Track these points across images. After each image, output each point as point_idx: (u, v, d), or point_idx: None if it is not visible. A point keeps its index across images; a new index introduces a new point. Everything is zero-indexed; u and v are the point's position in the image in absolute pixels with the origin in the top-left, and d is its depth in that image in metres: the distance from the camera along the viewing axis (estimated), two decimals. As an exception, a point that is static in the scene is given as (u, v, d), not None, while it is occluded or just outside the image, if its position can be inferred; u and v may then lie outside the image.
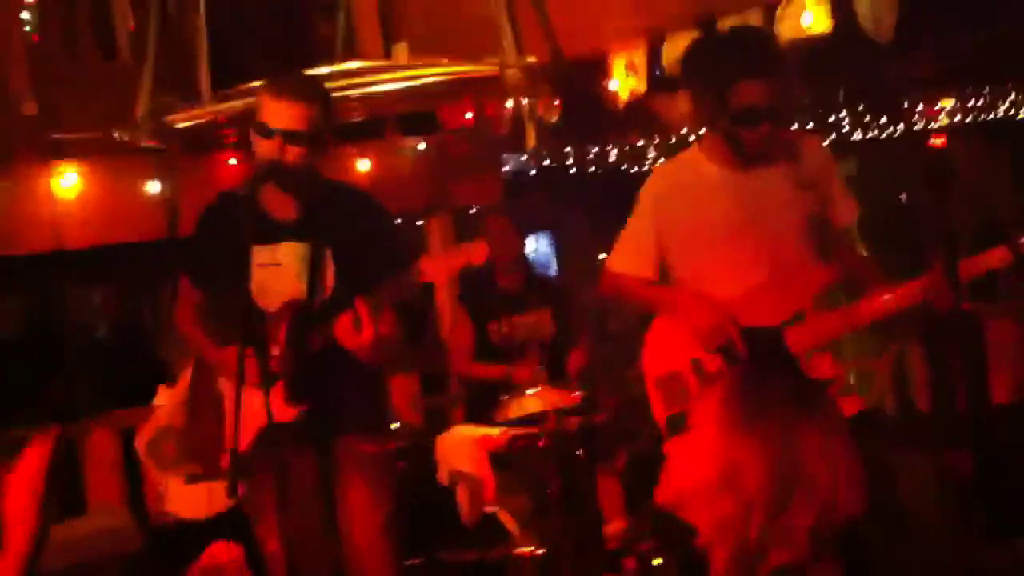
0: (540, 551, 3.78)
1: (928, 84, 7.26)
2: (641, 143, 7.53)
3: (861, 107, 7.44)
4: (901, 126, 7.88)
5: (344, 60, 5.79)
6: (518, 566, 3.79)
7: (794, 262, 2.90)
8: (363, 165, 6.52)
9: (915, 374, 4.81)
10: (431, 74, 4.87)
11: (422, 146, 6.73)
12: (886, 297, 2.82)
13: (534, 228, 7.85)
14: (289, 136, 2.84)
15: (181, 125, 5.40)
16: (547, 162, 7.55)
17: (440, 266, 2.67)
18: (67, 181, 5.87)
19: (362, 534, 2.95)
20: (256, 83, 4.76)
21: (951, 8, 5.27)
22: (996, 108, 7.88)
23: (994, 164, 5.20)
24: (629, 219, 3.06)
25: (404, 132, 6.72)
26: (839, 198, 2.98)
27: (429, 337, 6.65)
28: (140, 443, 4.40)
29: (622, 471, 3.99)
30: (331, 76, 4.57)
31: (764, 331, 2.87)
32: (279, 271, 2.94)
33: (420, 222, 6.89)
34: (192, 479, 4.33)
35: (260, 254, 2.95)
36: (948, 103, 7.75)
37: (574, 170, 7.78)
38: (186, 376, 4.40)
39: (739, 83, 2.77)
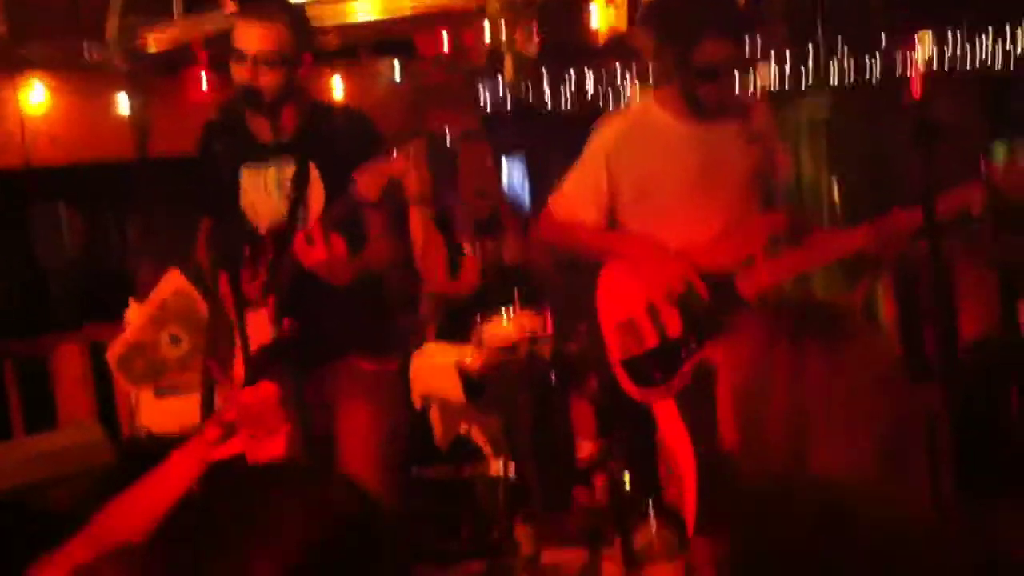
0: (512, 470, 3.84)
1: (906, 19, 7.28)
2: (619, 73, 7.51)
3: (840, 46, 7.44)
4: (878, 67, 7.89)
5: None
6: (490, 485, 3.85)
7: (744, 211, 3.00)
8: (337, 88, 6.46)
9: (885, 310, 4.89)
10: (409, 5, 4.84)
11: (397, 70, 6.67)
12: (831, 243, 2.95)
13: (508, 154, 7.86)
14: (261, 59, 2.84)
15: (152, 48, 5.34)
16: (524, 94, 7.52)
17: (369, 179, 2.67)
18: (35, 97, 5.79)
19: (356, 452, 2.98)
20: (228, 4, 4.73)
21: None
22: (973, 52, 7.92)
23: (970, 109, 5.24)
24: (576, 165, 3.08)
25: (378, 56, 6.66)
26: (780, 154, 3.11)
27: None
28: (111, 357, 4.41)
29: (593, 394, 4.05)
30: (307, 2, 4.51)
31: (716, 277, 2.95)
32: (269, 192, 2.97)
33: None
34: (162, 393, 4.36)
35: (250, 176, 2.98)
36: (926, 37, 7.75)
37: (550, 104, 7.76)
38: (158, 291, 4.41)
39: (703, 40, 2.82)
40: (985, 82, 7.57)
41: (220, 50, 4.59)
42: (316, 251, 2.74)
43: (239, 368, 2.88)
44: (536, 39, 5.86)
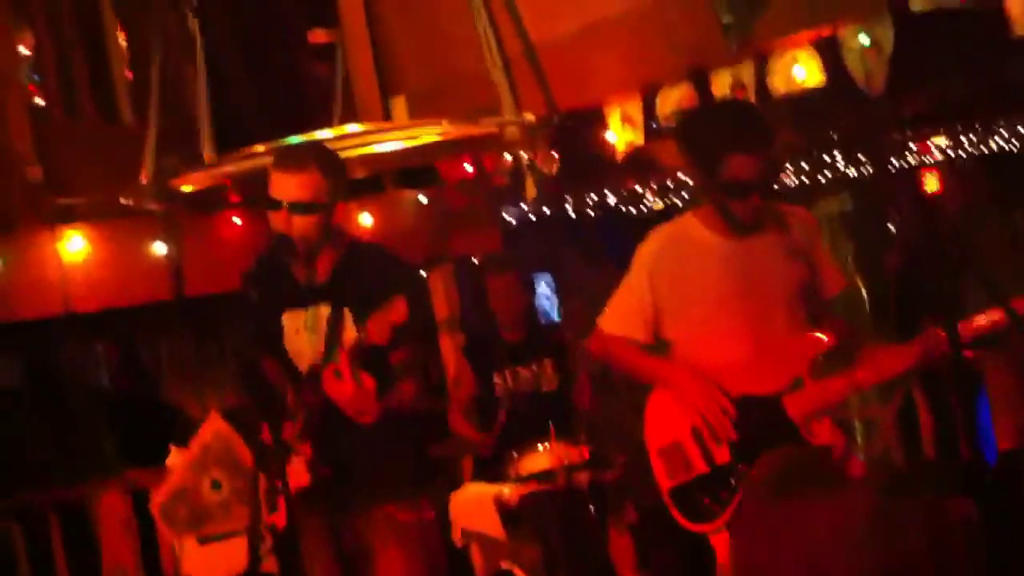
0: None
1: (919, 122, 7.37)
2: (639, 189, 7.63)
3: (854, 147, 7.54)
4: (894, 161, 7.98)
5: (343, 116, 5.90)
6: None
7: (788, 329, 2.96)
8: (365, 219, 6.59)
9: (921, 421, 4.86)
10: (431, 134, 4.96)
11: (422, 198, 6.81)
12: (882, 363, 2.89)
13: (534, 271, 7.93)
14: (294, 207, 2.91)
15: (186, 189, 5.49)
16: (546, 212, 7.64)
17: (374, 327, 2.72)
18: (73, 245, 5.93)
19: None
20: (260, 147, 4.88)
21: (941, 55, 5.39)
22: (987, 145, 8.00)
23: (986, 202, 5.29)
24: (623, 280, 3.10)
25: (404, 185, 6.80)
26: (826, 267, 3.08)
27: (432, 389, 6.71)
28: (155, 507, 4.44)
29: (633, 525, 4.03)
30: (332, 140, 4.65)
31: (763, 399, 2.92)
32: (309, 335, 3.02)
33: (423, 273, 6.95)
34: (207, 541, 4.38)
35: (291, 319, 3.04)
36: (940, 140, 7.85)
37: (573, 216, 7.87)
38: (199, 436, 4.47)
39: (728, 157, 2.86)
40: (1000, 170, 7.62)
41: (252, 190, 4.73)
42: (344, 386, 2.78)
43: (281, 515, 2.91)
44: (555, 158, 6.00)
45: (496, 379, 4.56)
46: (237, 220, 5.70)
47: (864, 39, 4.72)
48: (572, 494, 3.91)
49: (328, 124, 5.45)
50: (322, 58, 6.15)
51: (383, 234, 6.38)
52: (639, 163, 6.21)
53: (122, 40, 6.30)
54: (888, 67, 4.59)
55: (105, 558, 5.16)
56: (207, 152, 5.46)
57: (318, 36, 6.14)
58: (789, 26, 4.85)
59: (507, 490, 3.95)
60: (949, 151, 7.90)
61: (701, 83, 5.16)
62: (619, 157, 5.84)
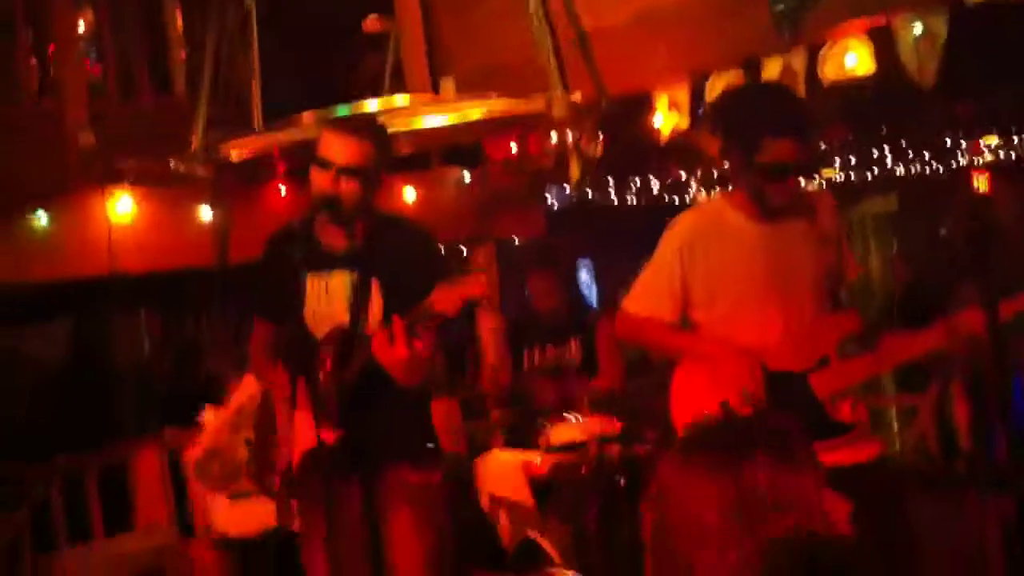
0: (580, 576, 3.82)
1: (970, 122, 7.28)
2: (683, 177, 7.60)
3: (903, 143, 7.47)
4: (943, 162, 7.89)
5: (392, 94, 5.94)
6: (558, 591, 3.83)
7: (815, 312, 2.99)
8: (409, 194, 6.64)
9: (957, 413, 4.81)
10: (478, 110, 4.98)
11: (467, 177, 6.84)
12: (905, 344, 2.94)
13: (575, 257, 7.93)
14: (345, 171, 2.95)
15: (234, 157, 5.56)
16: (590, 195, 7.64)
17: (446, 298, 2.74)
18: (122, 207, 6.04)
19: (406, 565, 3.00)
20: (307, 114, 4.94)
21: (994, 58, 5.32)
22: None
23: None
24: (650, 262, 3.11)
25: (449, 163, 6.84)
26: (847, 253, 3.13)
27: (470, 366, 6.75)
28: (188, 462, 4.51)
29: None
30: (380, 111, 4.69)
31: (790, 376, 2.94)
32: (330, 299, 3.05)
33: (464, 251, 7.00)
34: (237, 497, 4.44)
35: (314, 283, 3.07)
36: (992, 140, 7.76)
37: (616, 203, 7.86)
38: (235, 397, 4.53)
39: (767, 140, 2.86)
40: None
41: (299, 160, 4.78)
42: (398, 350, 2.81)
43: (295, 458, 2.94)
44: (600, 141, 6.00)
45: (526, 354, 4.62)
46: (283, 190, 5.76)
47: (918, 29, 4.67)
48: (602, 466, 3.92)
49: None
50: (374, 48, 6.21)
51: (427, 211, 6.44)
52: (683, 148, 6.20)
53: (179, 21, 6.40)
54: (941, 59, 4.54)
55: (139, 514, 5.25)
56: (256, 122, 5.53)
57: (372, 24, 6.20)
58: (842, 15, 4.81)
59: (537, 459, 3.97)
60: (1000, 152, 7.80)
61: (752, 71, 5.14)
62: (663, 142, 5.83)
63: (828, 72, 4.86)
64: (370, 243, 3.06)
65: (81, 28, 6.31)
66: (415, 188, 6.63)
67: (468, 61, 6.20)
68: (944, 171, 7.88)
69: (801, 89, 4.80)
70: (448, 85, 6.36)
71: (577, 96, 4.93)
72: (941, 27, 4.67)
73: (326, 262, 3.07)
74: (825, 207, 3.08)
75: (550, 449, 4.04)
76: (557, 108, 4.96)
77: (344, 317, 3.02)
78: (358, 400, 2.95)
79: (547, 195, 7.74)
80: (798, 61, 4.99)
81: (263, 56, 5.47)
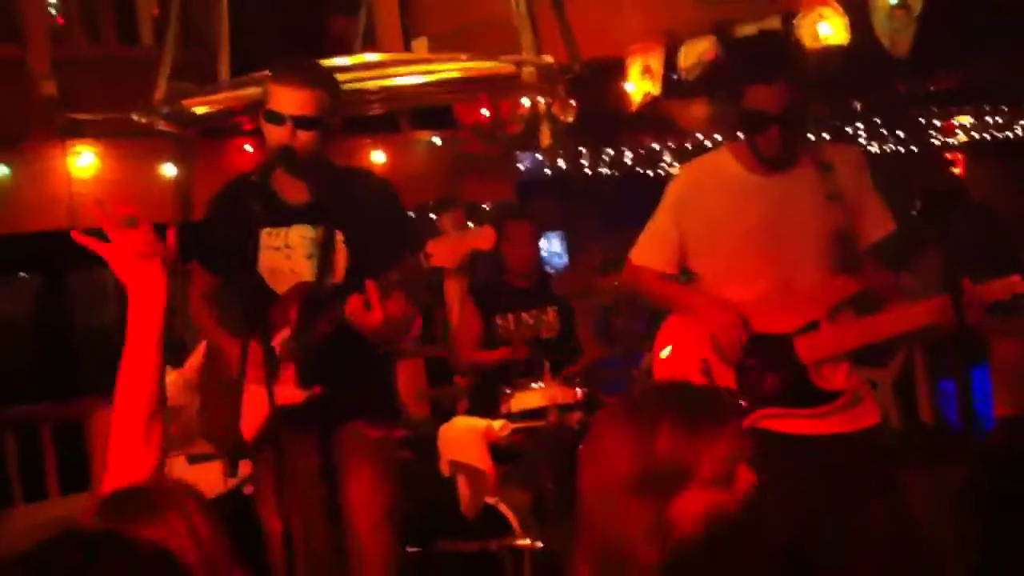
0: (539, 543, 3.80)
1: (945, 100, 7.26)
2: (655, 146, 7.55)
3: (876, 119, 7.45)
4: (916, 139, 7.88)
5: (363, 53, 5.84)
6: (517, 558, 3.81)
7: (813, 270, 2.88)
8: (377, 157, 6.56)
9: (919, 385, 4.83)
10: (449, 69, 4.90)
11: (436, 140, 6.76)
12: (902, 315, 2.82)
13: (546, 228, 7.88)
14: (299, 121, 2.88)
15: (198, 110, 5.44)
16: (561, 163, 7.58)
17: (448, 248, 2.69)
18: (83, 161, 5.92)
19: (364, 517, 2.99)
20: (271, 72, 4.84)
21: (969, 31, 5.29)
22: (1013, 129, 7.89)
23: (1009, 185, 5.21)
24: (655, 213, 3.08)
25: (418, 126, 6.76)
26: (871, 211, 2.91)
27: (436, 327, 6.70)
28: (146, 422, 4.44)
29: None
30: (350, 67, 4.60)
31: (773, 337, 2.87)
32: (290, 254, 2.99)
33: (432, 216, 6.94)
34: (195, 459, 4.37)
35: (271, 237, 3.01)
36: (965, 120, 7.75)
37: (588, 172, 7.81)
38: (193, 358, 4.45)
39: (749, 87, 2.79)
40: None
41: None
42: (374, 314, 2.76)
43: (248, 432, 2.89)
44: (572, 106, 5.93)
45: (498, 321, 4.56)
46: (248, 147, 5.66)
47: (893, -1, 4.63)
48: (562, 433, 3.89)
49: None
50: (345, 11, 6.10)
51: (395, 174, 6.35)
52: (655, 116, 6.14)
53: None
54: (915, 29, 4.50)
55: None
56: (222, 76, 5.42)
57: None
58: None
59: (497, 425, 3.93)
60: (974, 132, 7.79)
61: (725, 36, 5.09)
62: (635, 108, 5.77)
63: (803, 39, 4.82)
64: (331, 195, 3.00)
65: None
66: (384, 151, 6.55)
67: (441, 23, 6.12)
68: (919, 150, 7.88)
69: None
70: (420, 45, 6.27)
71: (549, 59, 4.86)
72: (917, -3, 4.63)
73: (284, 216, 3.00)
74: (844, 161, 2.93)
75: (511, 416, 4.01)
76: (528, 72, 4.89)
77: (305, 271, 2.97)
78: (323, 358, 2.90)
79: (518, 163, 7.67)
80: (772, 28, 4.94)
81: (239, 7, 5.36)
